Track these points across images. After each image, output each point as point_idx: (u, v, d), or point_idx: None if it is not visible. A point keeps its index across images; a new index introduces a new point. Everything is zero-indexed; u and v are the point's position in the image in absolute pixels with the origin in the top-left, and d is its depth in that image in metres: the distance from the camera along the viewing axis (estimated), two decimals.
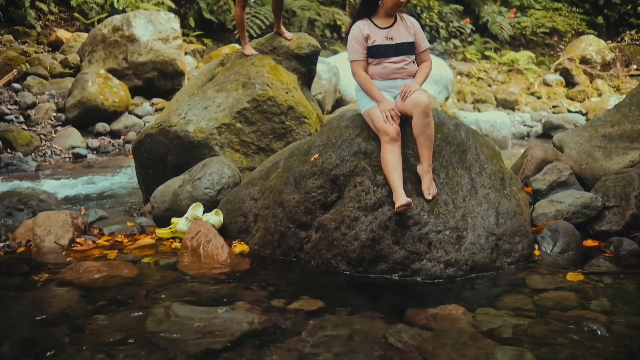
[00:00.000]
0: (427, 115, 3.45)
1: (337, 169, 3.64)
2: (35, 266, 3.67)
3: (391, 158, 3.46)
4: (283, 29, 5.77)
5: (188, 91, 5.64)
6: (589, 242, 3.95)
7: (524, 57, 17.10)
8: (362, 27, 3.66)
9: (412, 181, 3.57)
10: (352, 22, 3.76)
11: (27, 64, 10.21)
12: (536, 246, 3.84)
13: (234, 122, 5.13)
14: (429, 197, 3.52)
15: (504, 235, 3.62)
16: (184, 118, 5.17)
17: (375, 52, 3.64)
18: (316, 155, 3.75)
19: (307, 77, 5.92)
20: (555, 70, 16.30)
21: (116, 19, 10.81)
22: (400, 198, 3.34)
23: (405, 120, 3.60)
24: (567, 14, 17.94)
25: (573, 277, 3.38)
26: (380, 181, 3.54)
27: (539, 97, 15.48)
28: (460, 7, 18.10)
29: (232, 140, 5.13)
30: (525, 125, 13.75)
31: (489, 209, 3.67)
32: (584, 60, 16.00)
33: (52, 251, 3.93)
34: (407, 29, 3.70)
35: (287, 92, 5.36)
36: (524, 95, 15.47)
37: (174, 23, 11.04)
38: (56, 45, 11.85)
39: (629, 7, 18.39)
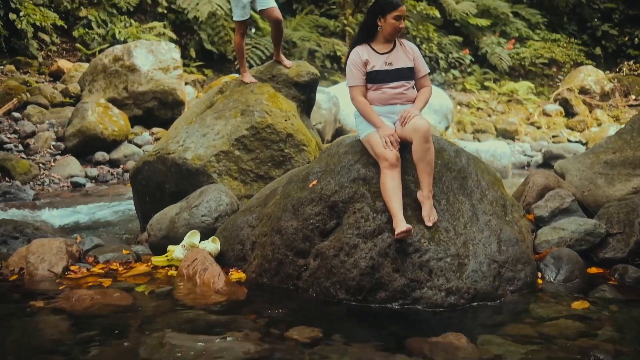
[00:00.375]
0: (427, 140, 3.42)
1: (336, 196, 3.59)
2: (27, 294, 3.59)
3: (391, 184, 3.41)
4: (282, 57, 5.78)
5: (187, 119, 5.62)
6: (593, 270, 3.87)
7: (523, 87, 17.19)
8: (361, 53, 3.65)
9: (412, 208, 3.52)
10: (350, 48, 3.75)
11: (27, 93, 10.24)
12: (539, 274, 3.76)
13: (233, 149, 5.10)
14: (430, 224, 3.46)
15: (506, 262, 3.55)
16: (182, 145, 5.14)
17: (375, 78, 3.63)
18: (315, 182, 3.70)
19: (306, 105, 5.91)
20: (555, 101, 16.37)
21: (117, 48, 10.89)
22: (400, 224, 3.28)
23: (404, 146, 3.56)
24: (565, 44, 18.10)
25: (578, 305, 3.30)
26: (379, 208, 3.48)
27: (538, 127, 15.51)
28: (459, 39, 18.27)
29: (231, 168, 5.09)
30: (525, 155, 13.75)
31: (491, 236, 3.61)
32: (583, 91, 16.08)
33: (46, 279, 3.85)
34: (406, 54, 3.69)
35: (286, 120, 5.34)
36: (524, 125, 15.51)
37: (175, 53, 11.11)
38: (57, 75, 11.92)
39: (627, 38, 18.58)
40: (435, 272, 3.35)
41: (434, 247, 3.42)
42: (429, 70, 3.82)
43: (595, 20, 19.02)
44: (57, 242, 4.15)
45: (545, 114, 15.99)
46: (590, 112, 15.81)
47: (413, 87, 3.74)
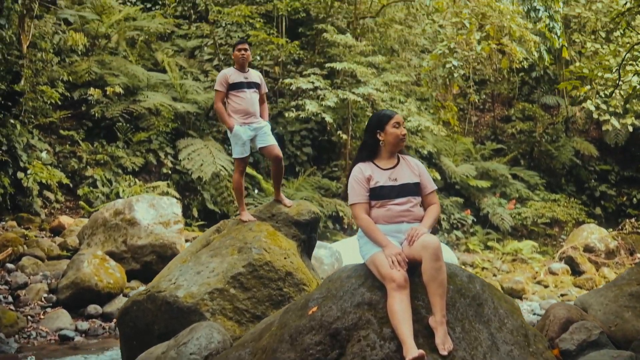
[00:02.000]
0: (437, 258, 3.15)
1: (339, 322, 3.25)
2: None
3: (399, 307, 3.09)
4: (282, 196, 5.68)
5: (181, 258, 5.39)
6: None
7: (527, 246, 17.04)
8: (363, 169, 3.51)
9: (423, 335, 3.17)
10: (352, 166, 3.63)
11: (24, 246, 10.09)
12: None
13: (228, 287, 4.80)
14: (444, 353, 3.09)
15: None
16: (174, 283, 4.85)
17: (379, 194, 3.45)
18: (315, 308, 3.38)
19: (307, 245, 5.70)
20: (560, 259, 16.12)
21: (119, 202, 10.92)
22: (411, 351, 2.92)
23: (413, 269, 3.29)
24: (565, 204, 18.27)
25: None
26: (387, 334, 3.13)
27: (545, 286, 15.11)
28: (460, 200, 18.48)
29: (225, 307, 4.75)
30: (534, 314, 13.21)
31: None
32: (588, 249, 15.90)
33: None
34: (411, 170, 3.56)
35: (285, 258, 5.10)
36: (531, 284, 15.12)
37: (176, 208, 11.12)
38: (58, 231, 11.86)
39: (624, 198, 18.80)
40: None
41: None
42: (436, 187, 3.66)
43: (592, 181, 19.42)
44: None
45: (551, 272, 15.67)
46: (597, 270, 15.50)
47: (420, 205, 3.54)
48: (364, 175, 3.49)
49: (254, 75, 5.80)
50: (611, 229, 17.17)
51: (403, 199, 3.46)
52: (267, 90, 6.04)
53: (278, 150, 5.53)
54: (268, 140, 5.50)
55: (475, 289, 3.50)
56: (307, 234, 5.59)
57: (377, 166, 3.53)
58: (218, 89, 5.70)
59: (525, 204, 18.71)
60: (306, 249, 5.66)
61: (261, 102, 5.82)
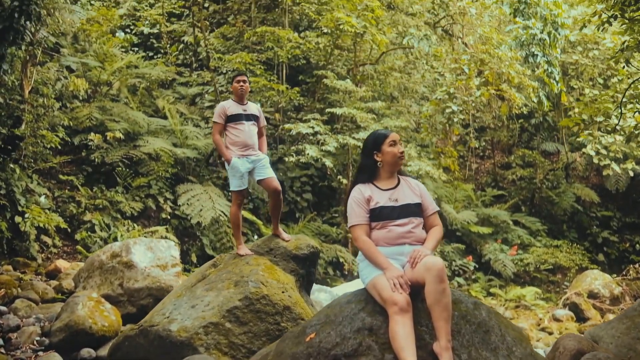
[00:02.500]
0: (442, 280, 3.02)
1: (338, 349, 3.10)
2: None
3: (402, 331, 2.95)
4: (281, 230, 5.57)
5: (176, 293, 5.24)
6: None
7: (530, 292, 16.77)
8: (363, 190, 3.42)
9: None
10: (351, 188, 3.52)
11: (18, 288, 9.88)
12: None
13: (223, 321, 4.64)
14: None
15: None
16: (167, 317, 4.69)
17: (379, 214, 3.34)
18: (312, 335, 3.22)
19: (305, 280, 5.56)
20: (564, 305, 15.82)
21: (115, 245, 10.76)
22: None
23: (417, 294, 3.15)
24: (568, 250, 18.11)
25: None
26: None
27: (550, 333, 14.76)
28: (461, 246, 18.33)
29: (220, 342, 4.57)
30: None
31: None
32: (592, 295, 15.62)
33: None
34: (412, 190, 3.46)
35: (283, 292, 4.95)
36: (535, 330, 14.79)
37: (174, 251, 10.95)
38: (53, 275, 11.67)
39: (627, 244, 18.62)
40: None
41: None
42: (438, 208, 3.55)
43: (594, 227, 19.30)
44: None
45: (555, 319, 15.35)
46: (602, 316, 15.18)
47: (422, 227, 3.42)
48: (363, 196, 3.38)
49: (253, 108, 5.77)
50: (615, 275, 16.95)
51: (404, 220, 3.35)
52: (265, 124, 6.00)
53: (277, 183, 5.44)
54: (266, 172, 5.42)
55: (481, 315, 3.35)
56: (305, 268, 5.44)
57: (377, 187, 3.43)
58: (216, 120, 5.66)
59: (528, 250, 18.54)
60: (305, 285, 5.50)
61: (260, 134, 5.76)
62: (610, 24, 6.93)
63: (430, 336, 3.07)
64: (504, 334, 3.33)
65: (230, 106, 5.67)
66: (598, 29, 7.23)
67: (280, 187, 5.47)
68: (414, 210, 3.40)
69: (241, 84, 5.67)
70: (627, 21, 6.49)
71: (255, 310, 4.71)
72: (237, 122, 5.56)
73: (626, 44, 7.14)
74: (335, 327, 3.16)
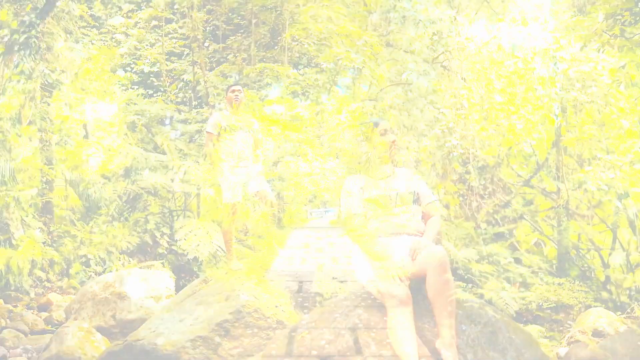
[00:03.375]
0: (444, 270, 2.81)
1: (332, 346, 2.85)
2: None
3: (401, 325, 2.74)
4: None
5: (165, 308, 4.99)
6: None
7: (533, 331, 16.33)
8: (356, 180, 3.25)
9: None
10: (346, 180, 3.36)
11: (7, 319, 9.60)
12: None
13: (213, 335, 4.39)
14: None
15: None
16: (154, 331, 4.46)
17: (375, 204, 3.16)
18: (304, 333, 2.99)
19: (301, 300, 5.30)
20: (568, 344, 15.37)
21: (109, 276, 10.50)
22: None
23: (418, 289, 2.93)
24: (571, 287, 17.75)
25: None
26: (387, 358, 2.73)
27: None
28: (462, 284, 17.98)
29: (209, 357, 4.32)
30: None
31: None
32: (596, 333, 15.18)
33: None
34: (407, 180, 3.30)
35: (276, 306, 4.71)
36: None
37: (169, 282, 10.68)
38: (45, 307, 11.39)
39: (632, 282, 18.26)
40: None
41: None
42: (435, 198, 3.37)
43: (598, 265, 18.96)
44: None
45: (560, 358, 14.90)
46: None
47: (420, 219, 3.24)
48: (357, 186, 3.22)
49: (247, 119, 5.64)
50: (619, 312, 16.54)
51: (401, 209, 3.17)
52: (260, 135, 5.86)
53: (271, 196, 5.27)
54: (260, 184, 5.26)
55: (487, 315, 3.13)
56: (300, 286, 5.22)
57: (371, 177, 3.27)
58: (210, 130, 5.52)
59: (529, 288, 18.18)
60: (300, 303, 5.26)
61: (254, 146, 5.62)
62: (612, 46, 6.87)
63: (432, 333, 2.85)
64: (511, 335, 3.11)
65: (224, 117, 5.55)
66: (598, 50, 7.19)
67: (274, 200, 5.30)
68: (410, 199, 3.24)
69: (236, 93, 5.57)
70: (626, 41, 6.46)
71: (247, 323, 4.47)
72: (232, 133, 5.43)
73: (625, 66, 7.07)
74: (329, 324, 2.95)
